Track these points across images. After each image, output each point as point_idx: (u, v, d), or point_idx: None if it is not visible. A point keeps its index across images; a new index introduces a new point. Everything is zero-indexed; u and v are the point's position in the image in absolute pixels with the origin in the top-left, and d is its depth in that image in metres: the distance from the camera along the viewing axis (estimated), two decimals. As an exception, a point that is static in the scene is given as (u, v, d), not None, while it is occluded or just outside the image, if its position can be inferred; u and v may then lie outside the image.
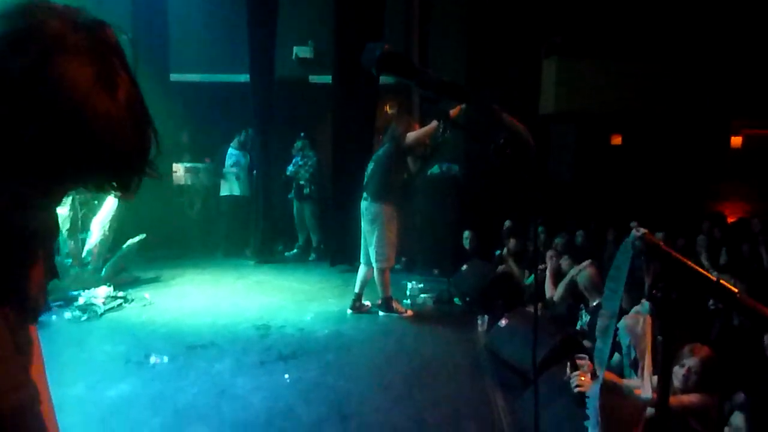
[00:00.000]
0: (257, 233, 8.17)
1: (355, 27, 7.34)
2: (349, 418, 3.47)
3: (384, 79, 8.32)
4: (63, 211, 5.93)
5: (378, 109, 8.39)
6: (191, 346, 4.69)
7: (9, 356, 0.84)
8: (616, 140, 10.97)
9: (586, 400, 2.27)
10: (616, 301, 1.52)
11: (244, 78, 8.36)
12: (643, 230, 1.23)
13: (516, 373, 3.93)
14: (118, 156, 0.78)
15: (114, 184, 0.83)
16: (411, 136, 5.47)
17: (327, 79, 8.31)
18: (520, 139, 1.15)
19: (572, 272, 4.75)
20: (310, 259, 8.22)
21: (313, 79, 9.16)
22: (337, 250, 7.65)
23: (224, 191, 8.40)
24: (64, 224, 5.92)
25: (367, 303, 5.76)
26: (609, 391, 2.23)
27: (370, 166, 5.68)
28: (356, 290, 5.73)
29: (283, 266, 7.84)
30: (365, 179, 5.65)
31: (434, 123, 5.30)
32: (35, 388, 0.86)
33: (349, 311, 5.68)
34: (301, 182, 8.09)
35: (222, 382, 4.02)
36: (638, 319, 2.86)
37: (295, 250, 8.47)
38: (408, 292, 6.23)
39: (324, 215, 8.19)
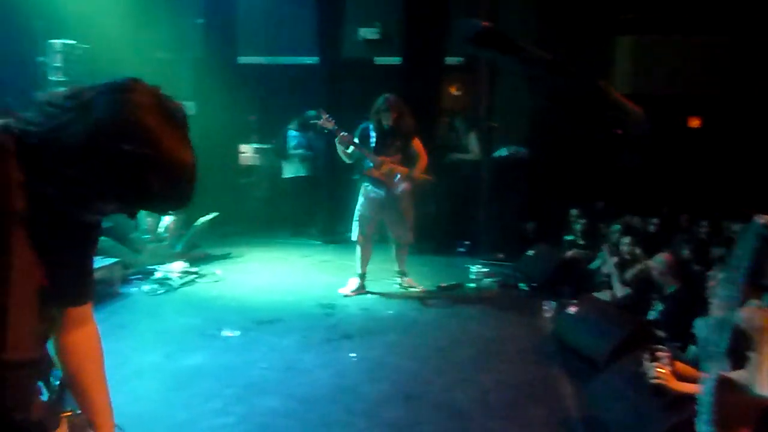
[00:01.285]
0: (322, 214, 8.30)
1: (423, 8, 7.27)
2: (413, 398, 3.50)
3: (450, 60, 8.26)
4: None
5: (443, 90, 8.31)
6: (260, 321, 4.84)
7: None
8: (694, 123, 10.41)
9: (699, 396, 2.18)
10: (734, 292, 1.45)
11: (310, 60, 8.45)
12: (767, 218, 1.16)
13: (584, 360, 3.84)
14: (189, 193, 1.09)
15: (179, 207, 1.13)
16: None
17: (393, 60, 8.28)
18: (632, 117, 1.11)
19: (649, 261, 4.57)
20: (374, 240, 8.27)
21: (379, 60, 9.15)
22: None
23: (288, 173, 8.55)
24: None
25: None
26: (725, 387, 2.12)
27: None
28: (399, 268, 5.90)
29: (348, 247, 7.90)
30: None
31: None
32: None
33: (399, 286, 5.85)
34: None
35: (289, 357, 4.14)
36: (757, 312, 2.70)
37: (359, 231, 8.54)
38: (472, 276, 6.19)
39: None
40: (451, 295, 5.71)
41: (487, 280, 6.16)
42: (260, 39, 9.04)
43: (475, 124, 7.71)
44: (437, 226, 7.62)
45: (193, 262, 6.33)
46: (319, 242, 8.09)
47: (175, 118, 1.04)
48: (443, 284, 5.92)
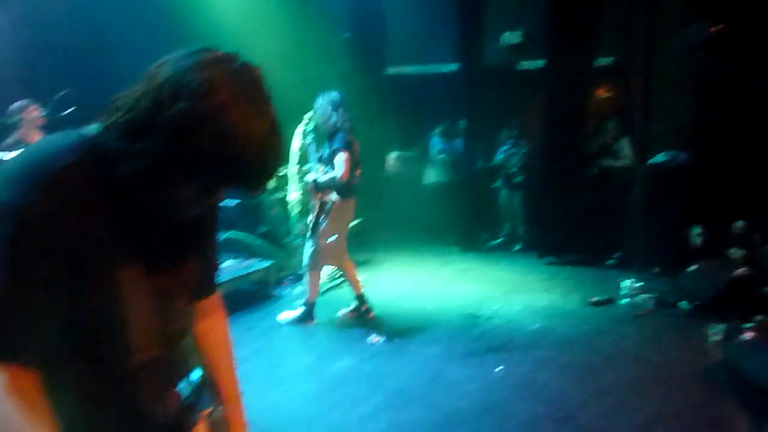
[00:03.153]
0: (462, 221, 8.24)
1: (570, 7, 6.95)
2: (568, 421, 3.32)
3: (599, 61, 7.81)
4: (294, 196, 6.58)
5: (592, 94, 7.89)
6: (403, 328, 4.89)
7: None
8: None
9: None
10: None
11: (451, 67, 8.45)
12: None
13: (766, 396, 3.40)
14: (260, 165, 0.96)
15: (252, 186, 1.01)
16: None
17: (537, 64, 8.02)
18: None
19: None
20: (515, 249, 8.07)
21: (522, 65, 8.91)
22: (545, 241, 7.39)
23: (429, 179, 8.62)
24: (295, 208, 6.55)
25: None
26: None
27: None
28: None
29: (488, 255, 7.81)
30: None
31: None
32: None
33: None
34: (512, 171, 7.96)
35: (434, 368, 4.13)
36: None
37: (500, 239, 8.39)
38: (624, 291, 5.79)
39: (532, 205, 7.97)
40: (603, 311, 5.37)
41: (642, 297, 5.70)
42: (408, 49, 9.20)
43: (629, 129, 7.22)
44: (584, 236, 7.24)
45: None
46: (457, 250, 8.05)
47: (245, 80, 0.94)
48: (593, 299, 5.59)
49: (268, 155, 0.96)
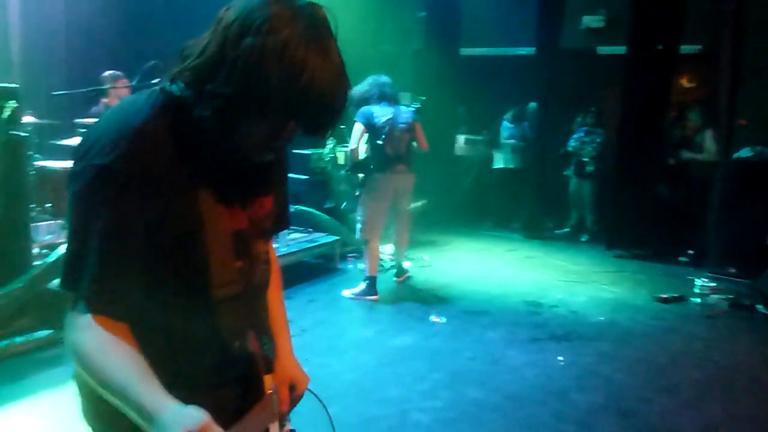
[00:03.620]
0: (528, 207, 8.13)
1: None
2: (630, 416, 3.27)
3: (683, 49, 7.44)
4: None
5: (674, 82, 7.54)
6: (466, 311, 4.92)
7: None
8: None
9: None
10: None
11: (526, 50, 8.26)
12: None
13: None
14: (323, 106, 0.98)
15: (319, 125, 1.04)
16: None
17: (617, 50, 7.72)
18: None
19: None
20: (582, 239, 7.90)
21: (602, 50, 8.61)
22: (614, 233, 7.19)
23: (497, 164, 8.52)
24: (361, 185, 6.64)
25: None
26: None
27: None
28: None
29: (553, 244, 7.69)
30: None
31: None
32: None
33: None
34: (585, 159, 7.75)
35: (495, 351, 4.14)
36: None
37: (566, 229, 8.23)
38: (697, 290, 5.58)
39: (603, 195, 7.75)
40: (672, 309, 5.21)
41: (715, 297, 5.49)
42: (482, 30, 9.07)
43: (713, 121, 6.88)
44: (656, 230, 7.01)
45: (403, 245, 6.64)
46: (522, 237, 7.96)
47: (308, 17, 0.97)
48: (663, 295, 5.42)
49: (332, 90, 0.98)
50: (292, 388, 1.33)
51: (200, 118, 1.01)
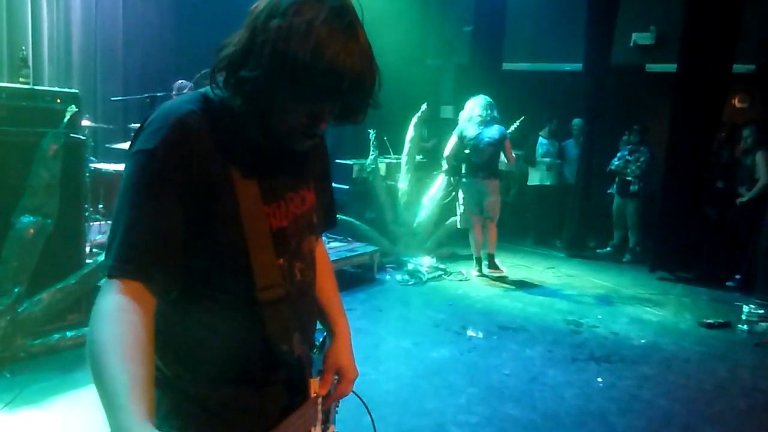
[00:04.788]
0: (571, 225, 8.01)
1: (708, 8, 6.51)
2: (672, 442, 3.20)
3: (736, 68, 7.25)
4: (402, 186, 6.72)
5: (725, 102, 7.35)
6: (503, 326, 4.88)
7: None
8: None
9: None
10: None
11: (571, 66, 8.19)
12: None
13: None
14: (350, 85, 0.99)
15: (347, 107, 1.06)
16: None
17: (667, 67, 7.60)
18: None
19: None
20: (625, 260, 7.73)
21: (651, 67, 8.48)
22: (658, 255, 7.02)
23: (533, 180, 8.44)
24: (402, 197, 6.69)
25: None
26: None
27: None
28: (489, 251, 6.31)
29: (595, 263, 7.56)
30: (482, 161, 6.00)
31: None
32: None
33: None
34: (628, 178, 7.61)
35: (533, 368, 4.10)
36: None
37: (608, 248, 8.08)
38: (744, 316, 5.40)
39: (648, 215, 7.59)
40: (717, 335, 5.06)
41: (764, 324, 5.30)
42: (526, 45, 9.04)
43: (764, 142, 6.68)
44: (703, 253, 6.82)
45: (441, 258, 6.65)
46: (563, 255, 7.85)
47: (334, 5, 0.99)
48: (708, 320, 5.28)
49: (358, 69, 0.99)
50: (338, 376, 1.32)
51: (233, 107, 1.03)
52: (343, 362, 1.34)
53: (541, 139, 8.37)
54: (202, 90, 1.12)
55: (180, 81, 5.45)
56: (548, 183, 8.32)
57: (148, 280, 1.00)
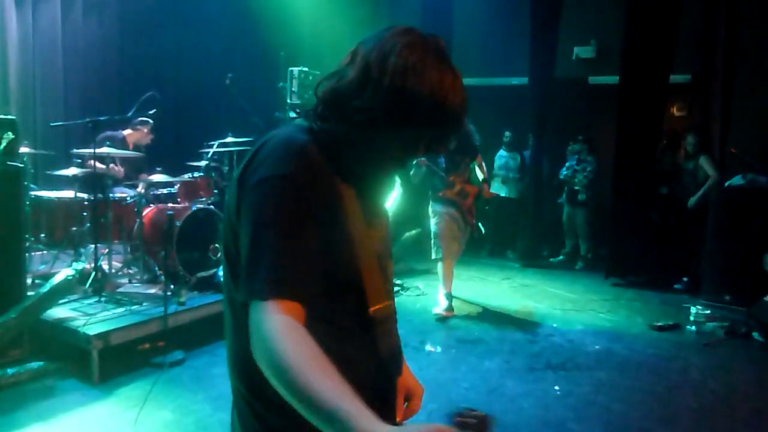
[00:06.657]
0: (524, 236, 8.15)
1: (646, 22, 6.79)
2: (629, 446, 3.25)
3: (673, 78, 7.59)
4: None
5: (665, 111, 7.65)
6: (462, 339, 4.90)
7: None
8: None
9: None
10: None
11: (518, 80, 8.37)
12: None
13: None
14: (454, 118, 1.11)
15: (446, 138, 1.16)
16: None
17: (608, 79, 7.86)
18: None
19: None
20: (577, 267, 7.91)
21: (593, 79, 8.75)
22: (611, 262, 7.20)
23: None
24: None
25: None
26: None
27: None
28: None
29: (548, 272, 7.70)
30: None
31: None
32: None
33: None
34: (576, 187, 7.81)
35: (491, 380, 4.11)
36: None
37: (561, 257, 8.25)
38: (692, 317, 5.58)
39: (596, 223, 7.79)
40: (668, 337, 5.21)
41: (711, 325, 5.50)
42: (474, 61, 9.19)
43: (705, 149, 6.97)
44: (651, 258, 7.04)
45: (397, 274, 6.64)
46: (517, 265, 7.96)
47: (434, 43, 1.12)
48: (658, 323, 5.43)
49: (462, 105, 1.11)
50: (407, 398, 1.36)
51: (337, 135, 1.12)
52: (410, 382, 1.38)
53: (500, 152, 8.52)
54: (298, 122, 1.20)
55: (107, 132, 5.46)
56: (503, 195, 8.44)
57: (304, 300, 1.01)
